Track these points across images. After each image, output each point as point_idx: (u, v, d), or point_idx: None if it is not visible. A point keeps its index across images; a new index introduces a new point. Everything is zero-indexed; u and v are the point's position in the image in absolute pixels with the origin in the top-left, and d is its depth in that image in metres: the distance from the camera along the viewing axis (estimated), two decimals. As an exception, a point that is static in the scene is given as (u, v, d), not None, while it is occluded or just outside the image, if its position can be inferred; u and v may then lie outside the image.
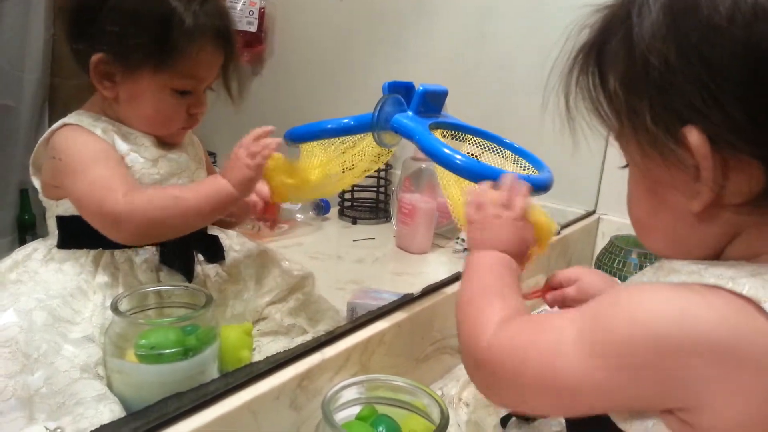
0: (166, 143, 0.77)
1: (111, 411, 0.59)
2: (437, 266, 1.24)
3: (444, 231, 1.34)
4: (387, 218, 1.47)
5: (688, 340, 0.37)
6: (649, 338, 0.38)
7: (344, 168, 0.78)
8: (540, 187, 0.67)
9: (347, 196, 1.49)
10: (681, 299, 0.39)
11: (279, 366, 0.63)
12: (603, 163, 1.29)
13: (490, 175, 0.64)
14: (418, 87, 0.73)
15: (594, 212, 1.34)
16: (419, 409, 0.61)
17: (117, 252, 0.72)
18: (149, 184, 0.73)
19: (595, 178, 1.32)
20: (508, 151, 0.75)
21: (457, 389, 0.73)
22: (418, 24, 1.47)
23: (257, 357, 0.74)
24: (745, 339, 0.37)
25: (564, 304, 0.64)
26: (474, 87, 1.35)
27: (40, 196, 0.74)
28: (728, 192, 0.39)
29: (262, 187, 0.81)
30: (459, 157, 0.64)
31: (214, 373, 0.67)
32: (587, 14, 0.45)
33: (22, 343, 0.59)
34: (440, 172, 0.72)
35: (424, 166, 1.27)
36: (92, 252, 0.72)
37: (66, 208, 0.72)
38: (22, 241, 1.51)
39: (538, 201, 0.70)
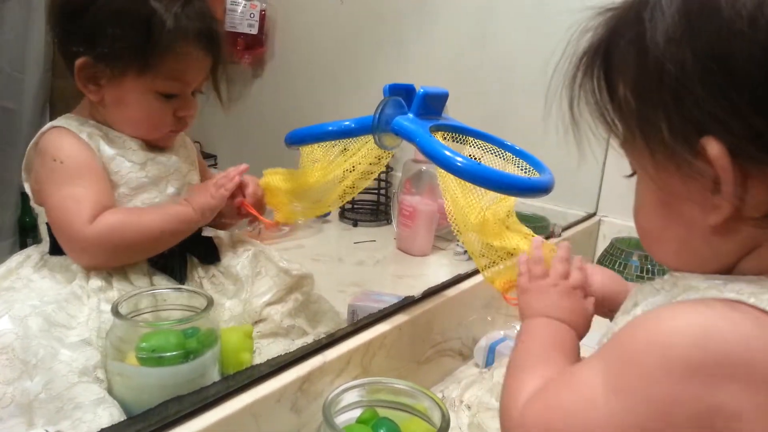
0: (155, 146, 0.77)
1: (110, 415, 0.59)
2: (438, 268, 1.24)
3: (445, 233, 1.34)
4: (388, 220, 1.47)
5: (716, 362, 0.35)
6: (676, 368, 0.36)
7: (344, 170, 0.78)
8: (541, 189, 0.67)
9: (348, 198, 1.49)
10: (702, 319, 0.37)
11: (280, 369, 0.63)
12: (604, 165, 1.29)
13: (491, 178, 0.64)
14: (419, 89, 0.72)
15: (595, 214, 1.34)
16: (420, 412, 0.61)
17: None
18: (137, 187, 0.74)
19: (596, 180, 1.32)
20: (509, 153, 0.75)
21: (458, 392, 0.73)
22: (419, 26, 1.47)
23: (258, 359, 0.74)
24: None
25: None
26: (475, 88, 1.35)
27: (32, 202, 0.74)
28: (748, 205, 0.37)
29: (256, 189, 0.83)
30: (459, 159, 0.64)
31: (215, 376, 0.67)
32: (589, 16, 0.43)
33: (18, 350, 0.59)
34: (441, 174, 0.72)
35: (424, 168, 1.27)
36: None
37: None
38: (24, 244, 1.51)
39: (540, 203, 0.71)
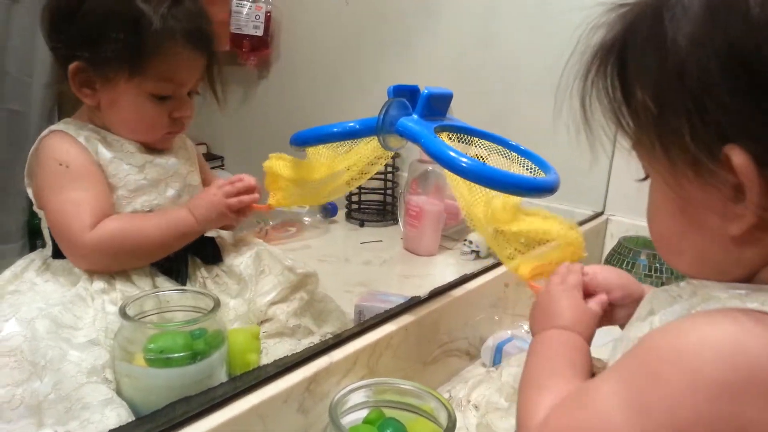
0: (153, 148, 0.78)
1: (117, 415, 0.60)
2: (445, 268, 1.24)
3: (451, 233, 1.34)
4: (394, 220, 1.47)
5: (746, 380, 0.34)
6: (703, 387, 0.34)
7: (349, 164, 0.78)
8: (546, 189, 0.67)
9: (354, 198, 1.49)
10: (728, 334, 0.35)
11: (287, 369, 0.63)
12: (611, 163, 1.29)
13: (496, 178, 0.64)
14: (423, 90, 0.73)
15: (602, 213, 1.33)
16: (426, 412, 0.61)
17: None
18: (136, 189, 0.74)
19: (603, 178, 1.31)
20: (514, 153, 0.75)
21: (465, 392, 0.73)
22: (423, 26, 1.46)
23: (264, 359, 0.74)
24: None
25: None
26: (479, 88, 1.35)
27: (35, 207, 0.75)
28: None
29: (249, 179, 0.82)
30: (464, 160, 0.64)
31: (222, 377, 0.68)
32: (601, 13, 0.42)
33: (27, 352, 0.60)
34: (449, 172, 0.72)
35: (430, 168, 1.27)
36: None
37: None
38: (33, 246, 1.52)
39: (546, 202, 0.70)
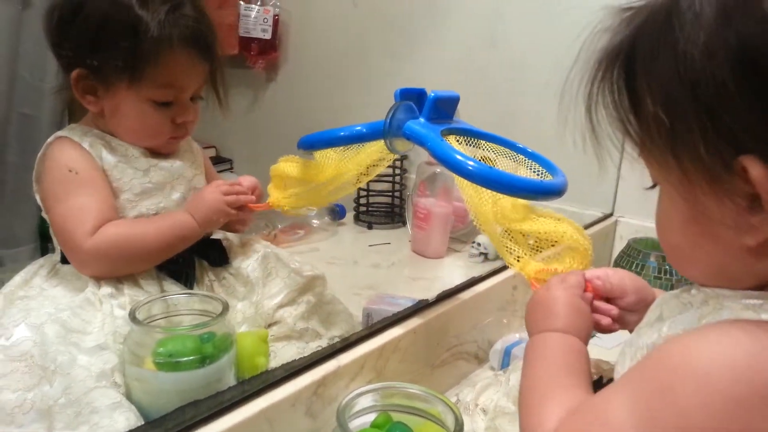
0: (158, 152, 0.78)
1: (126, 419, 0.60)
2: (453, 270, 1.24)
3: (459, 235, 1.34)
4: (402, 223, 1.47)
5: (761, 395, 0.33)
6: (717, 403, 0.34)
7: (358, 166, 0.79)
8: (553, 192, 0.67)
9: (362, 201, 1.50)
10: (742, 348, 0.34)
11: (295, 373, 0.63)
12: (620, 164, 1.28)
13: (503, 181, 0.64)
14: (430, 93, 0.73)
15: (611, 215, 1.33)
16: (434, 416, 0.61)
17: None
18: (141, 193, 0.75)
19: (612, 180, 1.30)
20: (521, 156, 0.74)
21: (473, 395, 0.73)
22: (430, 28, 1.46)
23: (273, 363, 0.74)
24: None
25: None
26: (486, 90, 1.34)
27: (43, 213, 0.75)
28: None
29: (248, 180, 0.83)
30: (471, 163, 0.64)
31: (231, 381, 0.68)
32: (607, 15, 0.41)
33: (37, 357, 0.60)
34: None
35: (438, 170, 1.27)
36: None
37: None
38: (44, 249, 1.53)
39: (554, 204, 0.70)
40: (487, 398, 0.72)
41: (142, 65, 0.70)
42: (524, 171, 0.73)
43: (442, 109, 0.73)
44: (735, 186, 0.35)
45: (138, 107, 0.73)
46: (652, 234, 0.47)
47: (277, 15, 1.71)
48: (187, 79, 0.75)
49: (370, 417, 0.61)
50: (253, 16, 1.69)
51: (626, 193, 1.29)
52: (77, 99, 0.74)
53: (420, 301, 0.82)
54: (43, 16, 0.74)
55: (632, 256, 1.13)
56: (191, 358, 0.64)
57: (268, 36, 1.70)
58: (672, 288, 1.08)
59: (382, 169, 0.80)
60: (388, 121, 0.70)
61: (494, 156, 0.75)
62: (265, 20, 1.69)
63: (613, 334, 0.62)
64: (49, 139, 0.75)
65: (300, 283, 0.82)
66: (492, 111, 1.22)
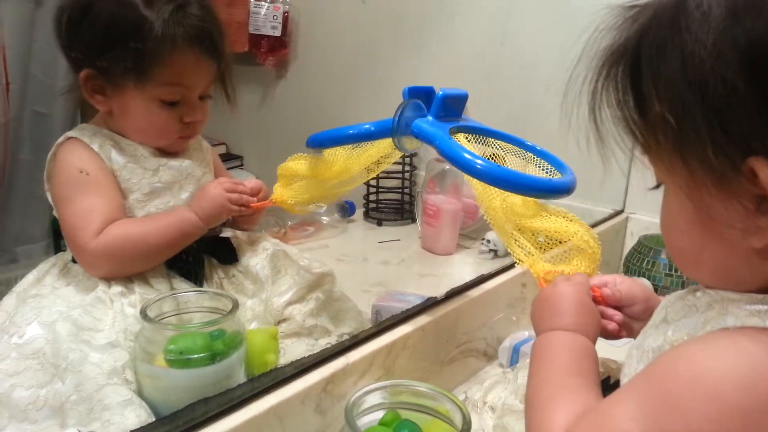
0: (167, 152, 0.78)
1: (137, 416, 0.61)
2: (462, 267, 1.24)
3: (469, 232, 1.33)
4: (412, 219, 1.47)
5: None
6: (724, 414, 0.34)
7: (366, 163, 0.79)
8: (562, 190, 0.66)
9: (372, 197, 1.50)
10: (749, 359, 0.34)
11: (304, 370, 0.64)
12: (630, 160, 1.27)
13: (511, 180, 0.64)
14: (438, 91, 0.72)
15: (622, 211, 1.32)
16: (442, 414, 0.61)
17: None
18: (151, 192, 0.75)
19: (622, 176, 1.29)
20: (530, 154, 0.74)
21: (481, 393, 0.73)
22: (440, 26, 1.46)
23: (282, 360, 0.74)
24: None
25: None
26: (496, 88, 1.34)
27: (54, 212, 0.76)
28: None
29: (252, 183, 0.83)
30: (479, 161, 0.64)
31: (241, 378, 0.68)
32: (613, 14, 0.40)
33: (49, 354, 0.61)
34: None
35: (447, 167, 1.27)
36: None
37: None
38: (57, 246, 1.55)
39: (565, 201, 0.70)
40: (495, 396, 0.72)
41: (148, 65, 0.70)
42: (533, 169, 0.73)
43: (451, 107, 0.73)
44: (742, 188, 0.35)
45: (146, 107, 0.74)
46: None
47: (286, 12, 1.71)
48: (194, 77, 0.75)
49: (379, 414, 0.61)
50: (263, 13, 1.70)
51: (637, 190, 1.28)
52: (87, 99, 0.75)
53: (429, 299, 0.82)
54: (54, 16, 0.74)
55: (643, 253, 1.13)
56: (202, 355, 0.65)
57: (278, 33, 1.71)
58: (683, 285, 1.07)
59: (387, 166, 0.80)
60: (397, 119, 0.70)
61: (503, 154, 0.75)
62: (275, 17, 1.70)
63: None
64: (59, 140, 0.75)
65: (309, 281, 0.82)
66: (501, 109, 1.21)
